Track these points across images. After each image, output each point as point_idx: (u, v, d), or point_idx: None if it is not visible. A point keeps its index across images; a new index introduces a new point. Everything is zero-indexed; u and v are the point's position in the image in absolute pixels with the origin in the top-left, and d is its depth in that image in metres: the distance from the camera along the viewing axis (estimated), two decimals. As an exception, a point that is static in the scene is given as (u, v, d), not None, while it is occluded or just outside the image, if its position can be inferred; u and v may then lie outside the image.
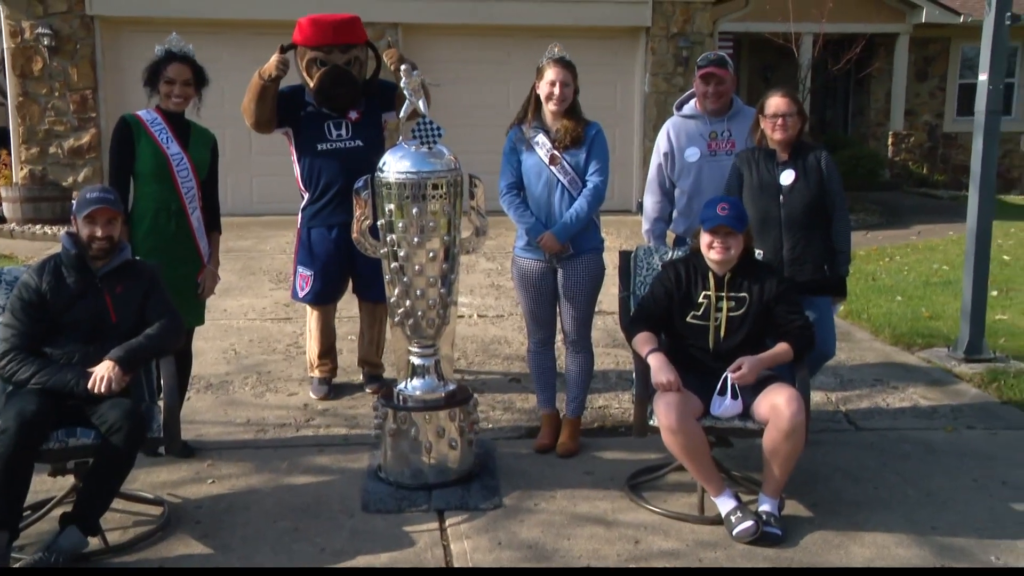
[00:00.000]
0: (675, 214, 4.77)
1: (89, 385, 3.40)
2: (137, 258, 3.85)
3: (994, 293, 7.58)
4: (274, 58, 4.74)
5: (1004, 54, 5.84)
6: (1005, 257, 9.52)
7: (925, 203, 13.94)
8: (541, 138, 4.29)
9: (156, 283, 3.74)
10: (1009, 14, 5.70)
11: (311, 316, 5.20)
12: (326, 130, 4.91)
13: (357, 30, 4.95)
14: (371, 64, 5.07)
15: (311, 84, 4.87)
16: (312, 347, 5.22)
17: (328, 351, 5.23)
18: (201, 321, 4.53)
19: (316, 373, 5.22)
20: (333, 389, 5.23)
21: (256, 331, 6.51)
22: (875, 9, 14.58)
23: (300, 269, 5.07)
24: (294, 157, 5.04)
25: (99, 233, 3.59)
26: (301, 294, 5.09)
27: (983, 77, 5.81)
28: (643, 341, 3.79)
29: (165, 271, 3.91)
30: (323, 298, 5.10)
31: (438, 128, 3.94)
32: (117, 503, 3.61)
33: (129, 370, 3.49)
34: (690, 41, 11.62)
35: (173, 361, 3.70)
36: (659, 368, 3.66)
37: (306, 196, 5.02)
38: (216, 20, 10.83)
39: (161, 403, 3.70)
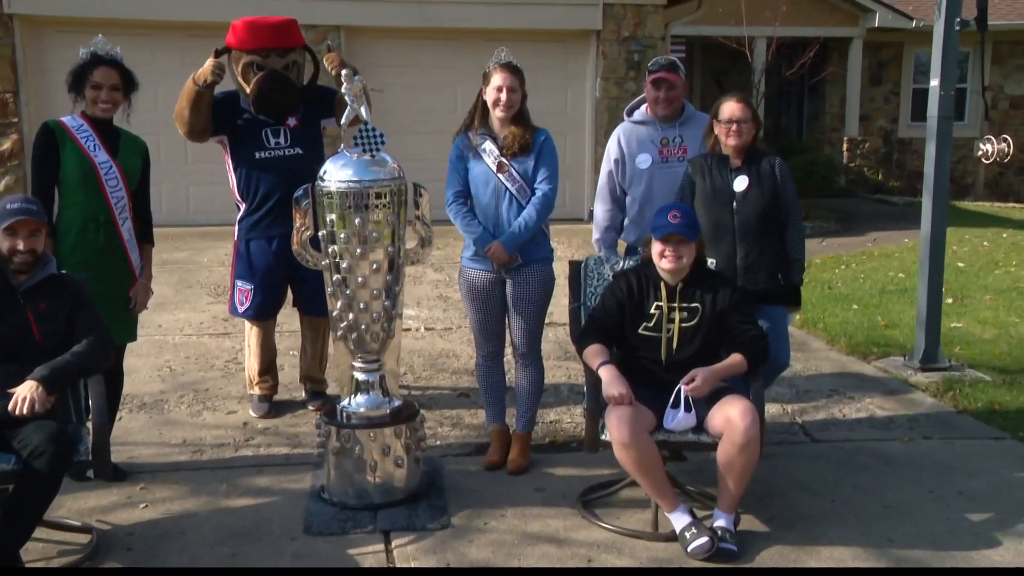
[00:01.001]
0: (626, 222, 4.81)
1: (10, 407, 3.31)
2: (63, 272, 3.78)
3: (949, 301, 7.75)
4: (209, 62, 4.70)
5: (955, 59, 5.99)
6: (960, 264, 9.74)
7: (881, 210, 14.21)
8: (488, 145, 4.30)
9: (83, 298, 3.67)
10: (959, 19, 5.84)
11: (250, 332, 5.15)
12: (264, 138, 4.88)
13: (295, 33, 4.93)
14: (309, 69, 5.04)
15: (247, 90, 4.83)
16: (252, 364, 5.17)
17: (268, 367, 5.19)
18: (133, 337, 4.46)
19: (256, 391, 5.17)
20: (274, 407, 5.18)
21: (193, 347, 6.42)
22: (828, 13, 14.88)
23: (239, 283, 5.02)
24: (230, 166, 4.99)
25: (21, 246, 3.52)
26: (240, 309, 5.04)
27: (934, 83, 5.95)
28: (594, 353, 3.82)
29: (94, 285, 3.84)
30: (263, 313, 5.06)
31: (381, 135, 3.93)
32: (40, 532, 3.53)
33: (53, 390, 3.41)
34: (642, 45, 11.73)
35: (102, 380, 3.62)
36: (610, 381, 3.68)
37: (243, 207, 4.98)
38: (147, 21, 10.68)
39: (90, 424, 3.62)
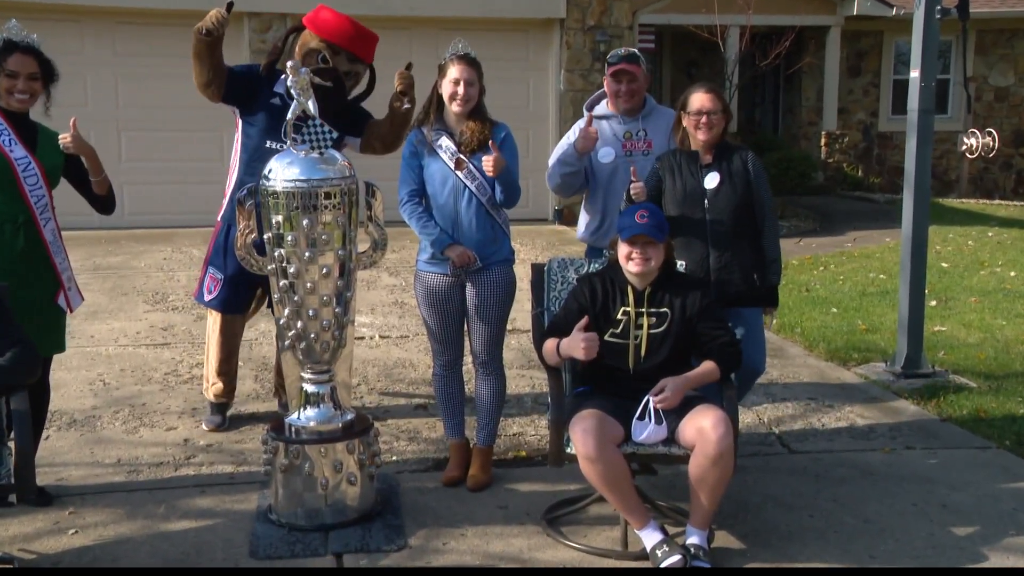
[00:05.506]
0: (587, 218, 4.89)
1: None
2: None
3: (932, 303, 7.87)
4: (213, 11, 4.60)
5: (936, 49, 6.08)
6: (944, 265, 9.89)
7: (860, 207, 14.39)
8: (444, 141, 4.31)
9: (0, 308, 3.60)
10: (939, 7, 5.94)
11: (214, 322, 5.08)
12: (282, 129, 4.85)
13: (371, 48, 5.00)
14: (362, 86, 5.07)
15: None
16: (211, 355, 5.09)
17: (225, 365, 5.08)
18: (62, 348, 4.37)
19: (211, 394, 5.10)
20: (224, 416, 5.11)
21: (129, 358, 6.36)
22: (804, 0, 15.03)
23: (211, 270, 5.00)
24: (238, 142, 4.97)
25: None
26: (207, 297, 5.00)
27: (915, 74, 6.04)
28: (551, 343, 3.88)
29: (14, 293, 3.78)
30: (228, 307, 5.02)
31: (329, 131, 3.92)
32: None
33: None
34: (608, 35, 11.80)
35: (26, 396, 3.56)
36: (569, 340, 3.75)
37: (232, 185, 4.94)
38: (74, 6, 10.53)
39: (12, 444, 3.57)
